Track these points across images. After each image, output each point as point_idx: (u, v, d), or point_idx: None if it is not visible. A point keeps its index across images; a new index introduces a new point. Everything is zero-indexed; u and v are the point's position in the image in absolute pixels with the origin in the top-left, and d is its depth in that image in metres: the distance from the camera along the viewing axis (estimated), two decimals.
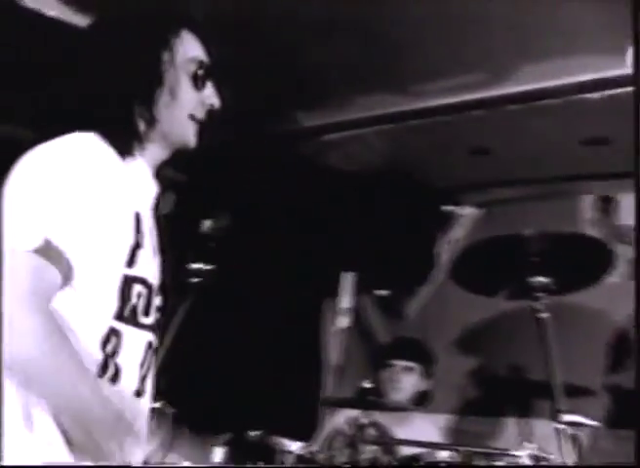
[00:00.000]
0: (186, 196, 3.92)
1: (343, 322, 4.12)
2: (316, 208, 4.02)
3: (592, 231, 4.12)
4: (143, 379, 1.51)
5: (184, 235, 2.70)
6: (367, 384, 2.83)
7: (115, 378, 1.43)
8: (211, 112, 1.68)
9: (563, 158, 3.86)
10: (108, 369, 1.41)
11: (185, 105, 1.62)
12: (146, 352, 1.52)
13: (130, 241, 1.46)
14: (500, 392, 4.13)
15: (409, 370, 3.64)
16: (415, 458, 2.97)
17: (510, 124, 3.48)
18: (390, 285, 4.46)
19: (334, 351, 4.17)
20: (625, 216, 4.10)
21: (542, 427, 3.52)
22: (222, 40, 1.74)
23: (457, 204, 4.44)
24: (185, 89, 1.62)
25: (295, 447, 2.57)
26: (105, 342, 1.41)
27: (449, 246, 4.41)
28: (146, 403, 1.54)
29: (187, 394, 2.56)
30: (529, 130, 3.44)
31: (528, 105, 3.26)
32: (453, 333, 4.31)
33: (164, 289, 1.64)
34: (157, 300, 1.58)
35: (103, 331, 1.41)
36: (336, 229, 4.07)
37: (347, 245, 4.12)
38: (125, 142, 1.54)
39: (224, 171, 3.83)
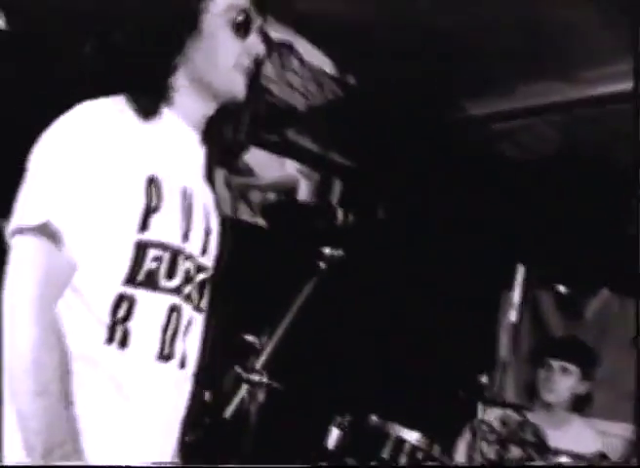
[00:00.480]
0: (355, 183, 4.05)
1: (513, 316, 4.01)
2: (490, 197, 3.94)
3: None
4: (171, 343, 1.47)
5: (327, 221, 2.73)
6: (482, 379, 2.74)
7: (124, 343, 1.40)
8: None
9: None
10: (116, 334, 1.40)
11: (228, 54, 1.52)
12: (170, 315, 1.46)
13: (140, 205, 1.41)
14: None
15: (566, 371, 3.46)
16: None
17: None
18: (571, 282, 4.26)
19: (502, 345, 4.09)
20: None
21: None
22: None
23: None
24: (226, 37, 1.52)
25: (412, 437, 2.54)
26: (116, 308, 1.39)
27: None
28: (174, 367, 1.49)
29: (304, 372, 2.64)
30: None
31: None
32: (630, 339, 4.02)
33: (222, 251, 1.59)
34: (193, 262, 1.51)
35: (112, 297, 1.39)
36: (511, 219, 3.97)
37: (524, 236, 4.00)
38: (152, 102, 1.49)
39: (394, 158, 3.86)
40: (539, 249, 4.00)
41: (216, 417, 2.17)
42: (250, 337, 2.48)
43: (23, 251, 1.35)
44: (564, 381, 3.45)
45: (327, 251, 2.64)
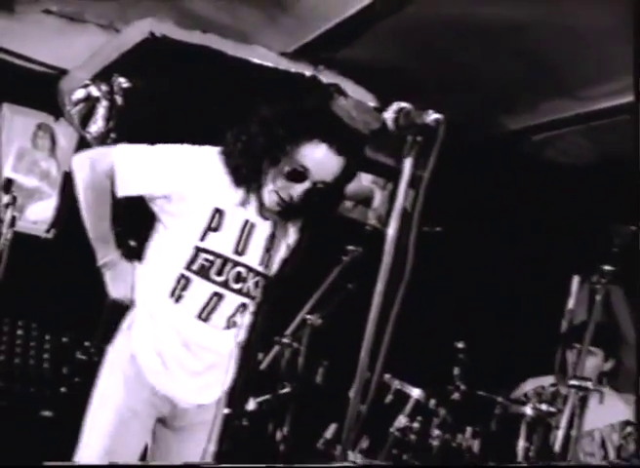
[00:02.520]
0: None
1: (571, 303, 4.51)
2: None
3: None
4: (210, 312, 2.27)
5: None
6: None
7: (178, 300, 2.25)
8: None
9: None
10: (175, 294, 2.25)
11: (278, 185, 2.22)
12: (211, 297, 2.26)
13: (203, 224, 2.21)
14: None
15: (590, 353, 3.87)
16: None
17: None
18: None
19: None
20: None
21: None
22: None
23: None
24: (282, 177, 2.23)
25: (415, 392, 3.18)
26: (179, 281, 2.25)
27: None
28: (216, 327, 2.30)
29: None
30: None
31: None
32: None
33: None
34: (246, 268, 2.28)
35: (177, 274, 2.25)
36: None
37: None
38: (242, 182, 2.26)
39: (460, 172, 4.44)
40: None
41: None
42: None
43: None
44: (589, 362, 3.90)
45: (350, 248, 3.40)
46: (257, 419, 3.00)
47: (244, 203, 2.28)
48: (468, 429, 3.07)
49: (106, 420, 2.24)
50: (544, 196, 4.43)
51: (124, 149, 2.33)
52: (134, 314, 2.33)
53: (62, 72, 3.88)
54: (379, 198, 4.64)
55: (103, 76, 3.69)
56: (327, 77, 3.77)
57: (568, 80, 3.59)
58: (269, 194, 2.23)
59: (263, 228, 2.33)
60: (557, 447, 2.98)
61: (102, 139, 3.82)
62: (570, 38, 3.21)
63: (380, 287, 1.72)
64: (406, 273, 1.71)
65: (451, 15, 3.11)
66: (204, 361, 2.32)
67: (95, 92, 3.76)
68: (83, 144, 3.86)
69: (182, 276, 2.25)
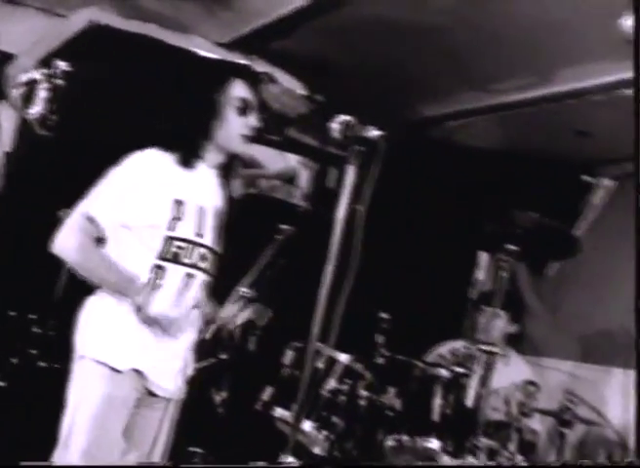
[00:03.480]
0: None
1: (479, 274, 4.95)
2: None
3: None
4: (182, 293, 2.54)
5: None
6: None
7: (155, 288, 2.49)
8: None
9: None
10: (151, 282, 2.48)
11: (234, 127, 2.60)
12: (184, 280, 2.54)
13: (168, 216, 2.49)
14: (611, 342, 4.65)
15: (496, 315, 4.33)
16: None
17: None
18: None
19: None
20: None
21: None
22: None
23: (596, 175, 4.97)
24: (233, 116, 2.60)
25: (343, 358, 3.50)
26: (154, 271, 2.49)
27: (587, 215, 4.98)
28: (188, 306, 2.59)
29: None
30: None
31: None
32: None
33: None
34: (207, 249, 2.59)
35: (152, 265, 2.49)
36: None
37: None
38: (186, 157, 2.58)
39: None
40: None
41: None
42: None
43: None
44: (496, 324, 4.35)
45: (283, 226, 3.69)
46: (197, 384, 3.26)
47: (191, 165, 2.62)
48: (391, 390, 3.41)
49: (92, 412, 2.40)
50: (457, 177, 4.83)
51: (90, 201, 2.52)
52: (106, 304, 2.53)
53: (3, 55, 4.01)
54: (304, 177, 4.94)
55: (46, 61, 3.84)
56: (260, 66, 4.03)
57: (480, 75, 3.97)
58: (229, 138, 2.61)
59: (212, 211, 2.65)
60: (469, 403, 3.37)
61: (43, 121, 3.98)
62: (482, 40, 3.58)
63: (329, 267, 2.04)
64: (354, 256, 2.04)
65: (379, 16, 3.44)
66: (179, 343, 2.60)
67: (36, 75, 3.91)
68: (24, 126, 4.01)
69: (157, 266, 2.51)
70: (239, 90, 2.63)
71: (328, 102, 4.15)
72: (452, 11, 3.35)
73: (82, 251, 2.47)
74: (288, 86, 4.10)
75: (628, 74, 3.27)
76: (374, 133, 1.98)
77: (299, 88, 4.10)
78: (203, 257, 2.61)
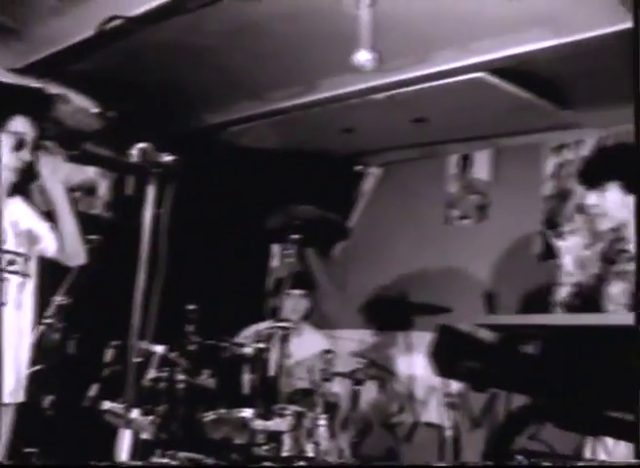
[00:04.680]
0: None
1: (273, 262, 5.48)
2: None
3: (453, 186, 5.28)
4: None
5: None
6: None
7: None
8: None
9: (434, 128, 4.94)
10: None
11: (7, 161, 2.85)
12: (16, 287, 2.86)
13: None
14: (391, 310, 5.37)
15: (301, 296, 4.92)
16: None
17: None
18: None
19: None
20: (477, 171, 5.21)
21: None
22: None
23: (365, 165, 5.67)
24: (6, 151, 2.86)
25: (159, 348, 3.88)
26: None
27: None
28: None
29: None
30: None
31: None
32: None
33: None
34: (12, 254, 2.86)
35: None
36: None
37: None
38: None
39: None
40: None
41: None
42: None
43: None
44: (301, 302, 4.93)
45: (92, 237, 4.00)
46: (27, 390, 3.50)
47: None
48: (205, 372, 3.84)
49: None
50: (244, 177, 5.34)
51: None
52: None
53: None
54: (103, 187, 5.25)
55: None
56: (54, 88, 4.31)
57: (254, 86, 4.50)
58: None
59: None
60: (272, 373, 3.88)
61: None
62: (252, 57, 4.09)
63: (141, 273, 2.46)
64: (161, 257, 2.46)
65: (164, 40, 3.84)
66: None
67: None
68: None
69: None
70: (16, 124, 2.89)
71: (122, 118, 4.51)
72: (223, 34, 3.82)
73: None
74: (82, 105, 4.41)
75: (373, 82, 4.00)
76: (167, 158, 2.41)
77: (92, 106, 4.42)
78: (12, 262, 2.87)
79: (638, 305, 1.75)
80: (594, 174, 2.99)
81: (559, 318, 2.31)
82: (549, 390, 1.75)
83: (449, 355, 2.00)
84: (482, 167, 5.11)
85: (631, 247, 2.88)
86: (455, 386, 4.47)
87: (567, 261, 3.07)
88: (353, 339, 5.42)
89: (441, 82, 4.06)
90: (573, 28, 3.34)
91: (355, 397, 4.46)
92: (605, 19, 3.21)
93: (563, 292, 3.02)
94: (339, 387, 4.52)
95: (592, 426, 1.89)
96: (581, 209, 3.76)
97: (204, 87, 4.48)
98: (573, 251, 3.08)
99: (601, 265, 3.01)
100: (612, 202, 2.91)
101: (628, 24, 3.16)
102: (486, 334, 1.86)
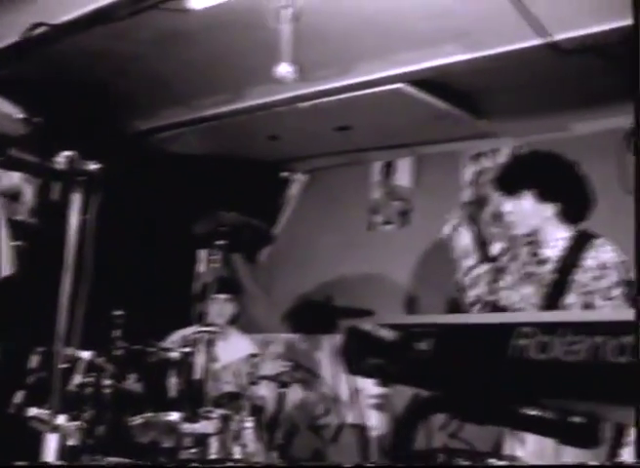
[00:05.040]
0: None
1: (200, 268, 5.51)
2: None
3: (376, 192, 5.43)
4: None
5: None
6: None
7: None
8: None
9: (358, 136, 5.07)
10: None
11: None
12: None
13: None
14: (317, 313, 5.48)
15: (227, 300, 4.99)
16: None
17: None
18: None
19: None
20: (400, 178, 5.38)
21: None
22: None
23: (291, 171, 5.77)
24: None
25: (85, 354, 3.88)
26: None
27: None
28: None
29: None
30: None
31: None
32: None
33: None
34: None
35: None
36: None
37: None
38: None
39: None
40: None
41: None
42: None
43: None
44: (228, 307, 5.00)
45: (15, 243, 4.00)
46: None
47: None
48: (132, 376, 3.87)
49: None
50: (171, 183, 5.37)
51: None
52: None
53: None
54: (28, 192, 5.21)
55: None
56: None
57: (182, 94, 4.55)
58: None
59: None
60: (198, 377, 3.93)
61: None
62: (180, 65, 4.16)
63: (66, 278, 2.50)
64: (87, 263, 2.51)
65: (91, 46, 3.87)
66: None
67: None
68: None
69: None
70: None
71: (49, 124, 4.51)
72: (152, 42, 3.87)
73: None
74: (7, 110, 4.39)
75: (298, 91, 4.11)
76: (93, 166, 2.46)
77: (17, 112, 4.41)
78: None
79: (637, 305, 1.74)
80: (510, 181, 3.11)
81: (450, 317, 2.45)
82: (441, 384, 1.88)
83: (355, 354, 2.11)
84: (404, 174, 5.28)
85: (543, 251, 3.05)
86: (379, 388, 4.60)
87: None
88: (279, 343, 5.51)
89: (363, 92, 4.20)
90: (485, 44, 3.52)
91: (281, 400, 4.55)
92: (514, 35, 3.40)
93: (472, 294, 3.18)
94: (265, 390, 4.60)
95: (494, 419, 2.02)
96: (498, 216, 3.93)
97: (132, 94, 4.52)
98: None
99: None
100: (526, 209, 3.06)
101: (536, 41, 3.39)
102: (387, 333, 1.97)
